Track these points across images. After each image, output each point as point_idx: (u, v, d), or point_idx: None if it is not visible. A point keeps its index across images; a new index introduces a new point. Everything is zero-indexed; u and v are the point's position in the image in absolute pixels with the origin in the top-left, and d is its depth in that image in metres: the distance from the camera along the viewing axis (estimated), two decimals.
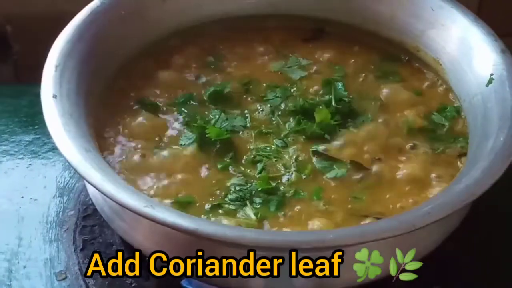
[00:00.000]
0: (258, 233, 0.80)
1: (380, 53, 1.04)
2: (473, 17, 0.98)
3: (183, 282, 0.91)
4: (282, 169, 0.90)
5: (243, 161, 0.91)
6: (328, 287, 0.83)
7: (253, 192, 0.88)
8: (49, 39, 0.94)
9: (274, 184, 0.88)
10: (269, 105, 0.97)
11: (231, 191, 0.88)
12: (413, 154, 0.93)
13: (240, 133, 0.94)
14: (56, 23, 0.95)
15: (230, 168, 0.90)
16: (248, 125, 0.95)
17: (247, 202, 0.87)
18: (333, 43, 1.05)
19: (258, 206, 0.87)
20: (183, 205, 0.86)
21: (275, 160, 0.91)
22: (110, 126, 0.94)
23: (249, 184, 0.89)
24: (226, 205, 0.87)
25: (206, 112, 0.97)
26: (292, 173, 0.90)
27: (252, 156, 0.92)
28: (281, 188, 0.88)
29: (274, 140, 0.93)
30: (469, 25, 0.97)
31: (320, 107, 0.95)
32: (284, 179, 0.90)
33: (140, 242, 0.86)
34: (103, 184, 0.79)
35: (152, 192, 0.88)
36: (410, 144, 0.94)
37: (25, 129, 1.09)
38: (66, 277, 0.93)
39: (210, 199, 0.87)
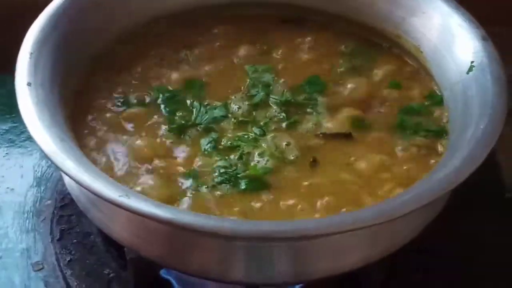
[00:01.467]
0: (236, 223, 0.79)
1: (360, 40, 1.04)
2: (454, 5, 0.97)
3: (162, 272, 0.90)
4: (259, 156, 0.90)
5: (220, 146, 0.91)
6: (309, 275, 0.83)
7: (238, 175, 0.87)
8: (27, 28, 0.93)
9: (261, 171, 0.88)
10: (248, 102, 0.96)
11: (216, 174, 0.88)
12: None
13: (221, 123, 0.93)
14: (33, 10, 0.94)
15: (212, 153, 0.90)
16: (228, 115, 0.94)
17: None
18: (312, 31, 1.04)
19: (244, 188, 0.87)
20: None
21: (253, 148, 0.91)
22: (87, 115, 0.93)
23: (234, 167, 0.88)
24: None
25: (187, 101, 0.96)
26: (268, 160, 0.89)
27: (230, 143, 0.91)
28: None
29: (253, 128, 0.93)
30: (450, 12, 0.97)
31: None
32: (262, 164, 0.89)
33: (116, 232, 0.85)
34: (78, 173, 0.78)
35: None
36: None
37: (2, 118, 1.08)
38: (43, 268, 0.93)
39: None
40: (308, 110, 0.95)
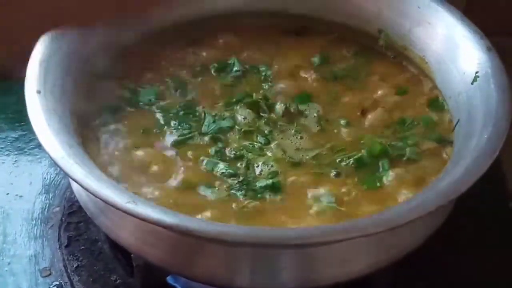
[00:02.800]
0: (240, 229, 0.80)
1: (365, 50, 1.05)
2: (459, 15, 0.98)
3: (169, 279, 0.91)
4: (264, 164, 0.91)
5: (226, 158, 0.91)
6: (315, 282, 0.83)
7: (249, 183, 0.88)
8: (38, 36, 0.93)
9: (272, 180, 0.89)
10: (251, 111, 0.97)
11: (229, 183, 0.88)
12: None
13: (228, 134, 0.94)
14: (44, 19, 0.95)
15: (219, 163, 0.91)
16: (235, 126, 0.95)
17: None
18: (317, 41, 1.05)
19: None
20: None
21: (258, 156, 0.91)
22: (96, 122, 0.94)
23: (243, 176, 0.89)
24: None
25: (195, 111, 0.97)
26: (273, 165, 0.90)
27: (234, 152, 0.92)
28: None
29: (258, 138, 0.94)
30: (455, 23, 0.97)
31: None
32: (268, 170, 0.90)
33: (124, 238, 0.86)
34: (86, 179, 0.79)
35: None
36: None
37: (12, 126, 1.09)
38: (50, 274, 0.93)
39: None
40: (305, 120, 0.96)
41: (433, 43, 0.99)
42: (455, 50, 0.96)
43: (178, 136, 0.93)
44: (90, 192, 0.79)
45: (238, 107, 0.97)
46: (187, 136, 0.94)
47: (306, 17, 1.07)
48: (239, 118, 0.96)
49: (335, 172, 0.90)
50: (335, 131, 0.95)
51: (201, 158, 0.91)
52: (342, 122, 0.96)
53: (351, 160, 0.91)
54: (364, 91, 1.00)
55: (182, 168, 0.90)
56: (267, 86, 1.00)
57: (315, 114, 0.96)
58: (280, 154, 0.92)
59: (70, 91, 0.91)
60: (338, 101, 0.99)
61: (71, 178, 0.81)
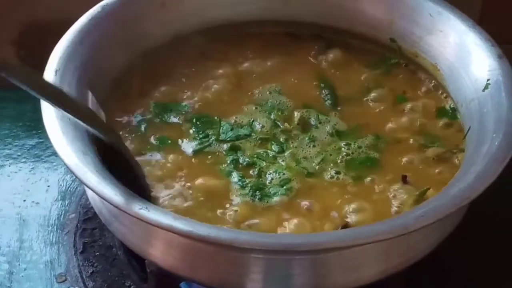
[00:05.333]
0: (252, 236, 0.80)
1: (378, 58, 1.05)
2: (471, 23, 0.98)
3: (182, 285, 0.91)
4: (276, 173, 0.91)
5: (240, 165, 0.92)
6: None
7: (263, 189, 0.89)
8: (54, 45, 0.95)
9: (285, 187, 0.89)
10: (267, 120, 0.97)
11: (246, 190, 0.89)
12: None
13: (244, 141, 0.95)
14: (61, 29, 0.96)
15: (234, 171, 0.91)
16: (252, 134, 0.96)
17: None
18: (328, 49, 1.06)
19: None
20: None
21: (271, 164, 0.92)
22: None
23: (256, 183, 0.90)
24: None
25: (213, 118, 0.97)
26: (284, 173, 0.91)
27: (248, 160, 0.92)
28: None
29: (272, 146, 0.94)
30: (467, 31, 0.97)
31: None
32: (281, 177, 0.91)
33: (137, 244, 0.87)
34: (98, 186, 0.80)
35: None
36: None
37: (29, 133, 1.10)
38: (66, 280, 0.94)
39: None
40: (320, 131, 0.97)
41: (445, 51, 0.99)
42: (467, 58, 0.96)
43: (196, 145, 0.94)
44: (103, 198, 0.80)
45: (257, 112, 0.98)
46: (205, 145, 0.94)
47: (316, 26, 1.07)
48: (257, 126, 0.97)
49: (335, 171, 0.91)
50: (347, 142, 0.95)
51: (217, 166, 0.92)
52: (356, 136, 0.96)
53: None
54: (379, 103, 1.01)
55: (199, 177, 0.91)
56: (278, 97, 1.01)
57: (328, 126, 0.97)
58: (293, 163, 0.92)
59: (85, 100, 0.92)
60: (353, 114, 0.99)
61: (85, 185, 0.82)
